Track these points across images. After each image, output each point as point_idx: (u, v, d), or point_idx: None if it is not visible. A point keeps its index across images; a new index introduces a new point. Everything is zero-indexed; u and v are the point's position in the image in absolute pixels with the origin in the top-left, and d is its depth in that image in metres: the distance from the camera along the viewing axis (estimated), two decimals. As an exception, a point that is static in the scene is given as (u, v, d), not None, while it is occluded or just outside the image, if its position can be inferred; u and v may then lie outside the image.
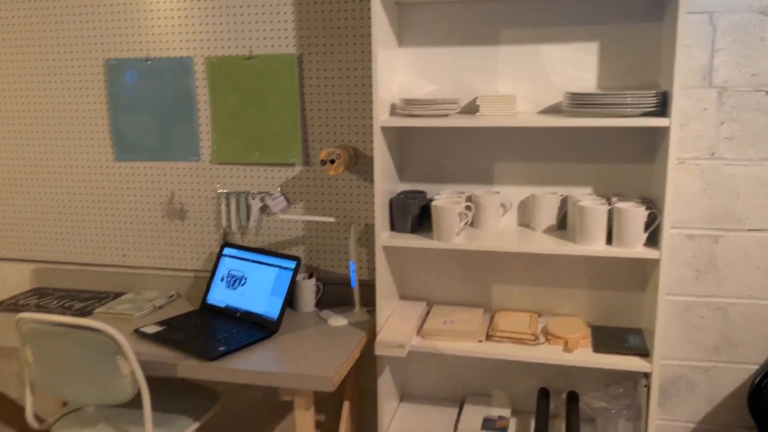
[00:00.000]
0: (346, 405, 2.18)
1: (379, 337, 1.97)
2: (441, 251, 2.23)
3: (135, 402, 2.12)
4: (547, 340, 2.01)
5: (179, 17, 2.31)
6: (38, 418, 2.03)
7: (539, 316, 2.19)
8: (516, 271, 2.18)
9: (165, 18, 2.33)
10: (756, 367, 2.11)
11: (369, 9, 2.14)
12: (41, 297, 2.46)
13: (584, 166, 2.06)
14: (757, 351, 2.09)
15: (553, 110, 2.05)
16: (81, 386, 1.85)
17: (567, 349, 1.95)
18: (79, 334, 1.77)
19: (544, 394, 2.15)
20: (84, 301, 2.40)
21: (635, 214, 1.81)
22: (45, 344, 1.83)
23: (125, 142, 2.45)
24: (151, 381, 2.15)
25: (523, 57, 2.04)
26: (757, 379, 2.05)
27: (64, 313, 2.24)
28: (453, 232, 1.94)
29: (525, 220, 2.14)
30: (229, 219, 2.40)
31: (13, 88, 2.53)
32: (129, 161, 2.47)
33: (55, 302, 2.39)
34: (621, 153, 2.03)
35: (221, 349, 1.93)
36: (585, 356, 1.92)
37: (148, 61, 2.36)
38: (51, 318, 1.79)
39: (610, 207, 1.87)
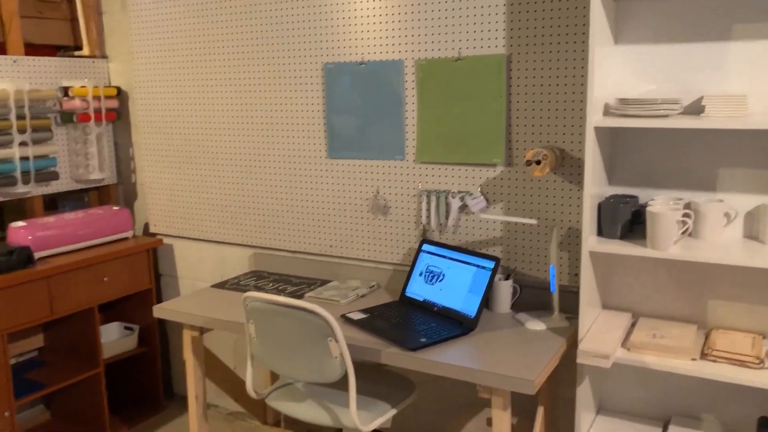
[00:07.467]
0: (541, 410, 2.14)
1: (582, 345, 1.91)
2: (651, 260, 2.10)
3: (339, 383, 2.26)
4: (774, 365, 1.82)
5: (392, 22, 2.42)
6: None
7: (764, 338, 1.99)
8: (738, 287, 2.00)
9: (379, 23, 2.45)
10: None
11: (584, 6, 2.09)
12: (258, 279, 2.71)
13: (829, 174, 1.84)
14: None
15: (793, 111, 1.85)
16: (295, 363, 2.01)
17: (799, 377, 1.75)
18: (298, 314, 1.93)
19: (764, 423, 1.95)
20: (295, 285, 2.61)
21: None
22: (267, 321, 2.02)
23: (338, 140, 2.62)
24: (354, 365, 2.28)
25: (758, 54, 1.86)
26: None
27: (279, 295, 2.45)
28: (670, 241, 1.82)
29: (752, 232, 1.96)
30: (429, 216, 2.47)
31: (242, 90, 2.82)
32: (340, 158, 2.63)
33: (270, 284, 2.62)
34: None
35: (423, 340, 2.00)
36: (822, 387, 1.71)
37: (362, 64, 2.50)
38: (275, 299, 1.97)
39: None
